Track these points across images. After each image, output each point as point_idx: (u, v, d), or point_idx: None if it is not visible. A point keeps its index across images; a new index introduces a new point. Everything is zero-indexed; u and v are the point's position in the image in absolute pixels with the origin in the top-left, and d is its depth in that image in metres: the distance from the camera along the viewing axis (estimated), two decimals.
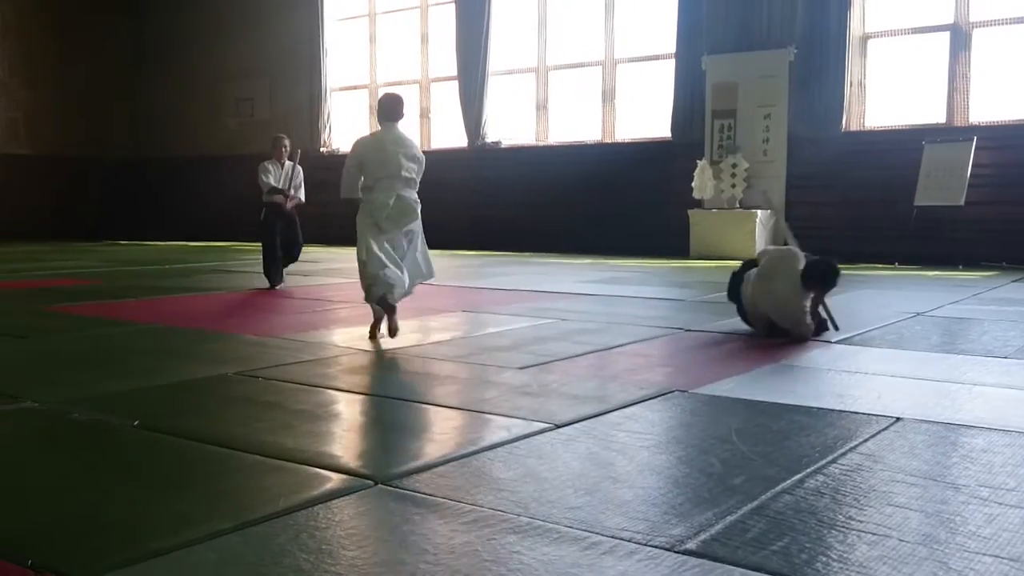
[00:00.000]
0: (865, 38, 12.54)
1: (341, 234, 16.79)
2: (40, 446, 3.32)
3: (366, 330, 5.64)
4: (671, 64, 13.66)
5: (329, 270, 10.99)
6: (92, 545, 2.27)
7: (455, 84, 15.62)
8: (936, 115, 12.10)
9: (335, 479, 2.78)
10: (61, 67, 18.66)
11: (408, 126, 16.71)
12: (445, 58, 15.99)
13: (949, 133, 11.67)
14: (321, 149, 17.35)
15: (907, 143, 11.77)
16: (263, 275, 8.81)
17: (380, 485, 2.72)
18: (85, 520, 2.46)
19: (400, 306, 6.72)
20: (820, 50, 12.34)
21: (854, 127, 12.54)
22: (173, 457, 3.09)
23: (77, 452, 3.19)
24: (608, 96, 14.57)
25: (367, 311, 6.96)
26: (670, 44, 13.67)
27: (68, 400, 3.83)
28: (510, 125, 15.67)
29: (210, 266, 11.76)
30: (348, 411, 3.83)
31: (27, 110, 18.28)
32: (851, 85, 12.41)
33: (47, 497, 2.67)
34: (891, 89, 12.60)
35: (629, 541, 2.27)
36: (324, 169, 17.74)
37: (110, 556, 2.18)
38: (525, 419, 3.51)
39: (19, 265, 11.75)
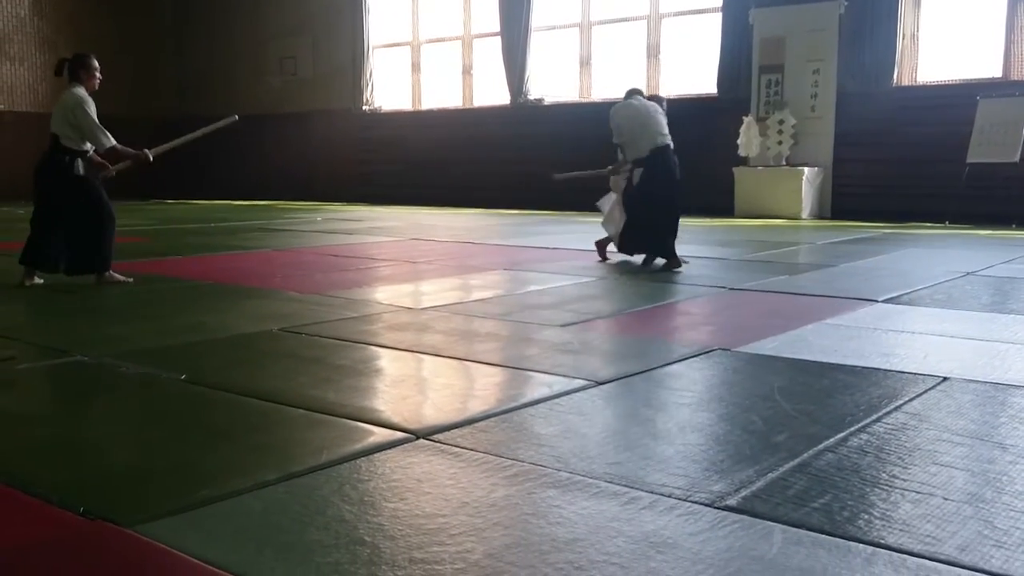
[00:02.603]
0: None
1: (385, 193, 16.92)
2: (91, 398, 3.40)
3: (409, 287, 5.75)
4: (718, 18, 13.41)
5: (372, 228, 11.04)
6: (141, 493, 2.33)
7: (497, 40, 15.49)
8: (992, 69, 11.76)
9: (377, 433, 2.81)
10: (107, 26, 18.80)
11: (449, 82, 16.67)
12: (487, 14, 15.84)
13: (1005, 88, 11.34)
14: (364, 107, 17.35)
15: (961, 98, 11.47)
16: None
17: (421, 439, 2.74)
18: (134, 469, 2.52)
19: (442, 265, 6.70)
20: (872, 2, 12.02)
21: (906, 82, 12.24)
22: (219, 410, 3.14)
23: (126, 404, 3.26)
24: (653, 51, 14.36)
25: (410, 268, 7.00)
26: None
27: (117, 354, 3.91)
28: (553, 82, 15.53)
29: (254, 224, 11.88)
30: (390, 367, 3.87)
31: None
32: (903, 38, 12.09)
33: (98, 447, 2.74)
34: (945, 42, 12.26)
35: (669, 496, 2.27)
36: (366, 128, 17.86)
37: (159, 504, 2.23)
38: (566, 376, 3.51)
39: None
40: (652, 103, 7.40)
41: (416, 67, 17.21)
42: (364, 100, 17.36)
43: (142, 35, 19.43)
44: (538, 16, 15.17)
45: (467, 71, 16.52)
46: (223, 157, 19.34)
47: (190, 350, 4.07)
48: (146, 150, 6.31)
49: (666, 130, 7.08)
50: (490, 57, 15.96)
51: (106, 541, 2.06)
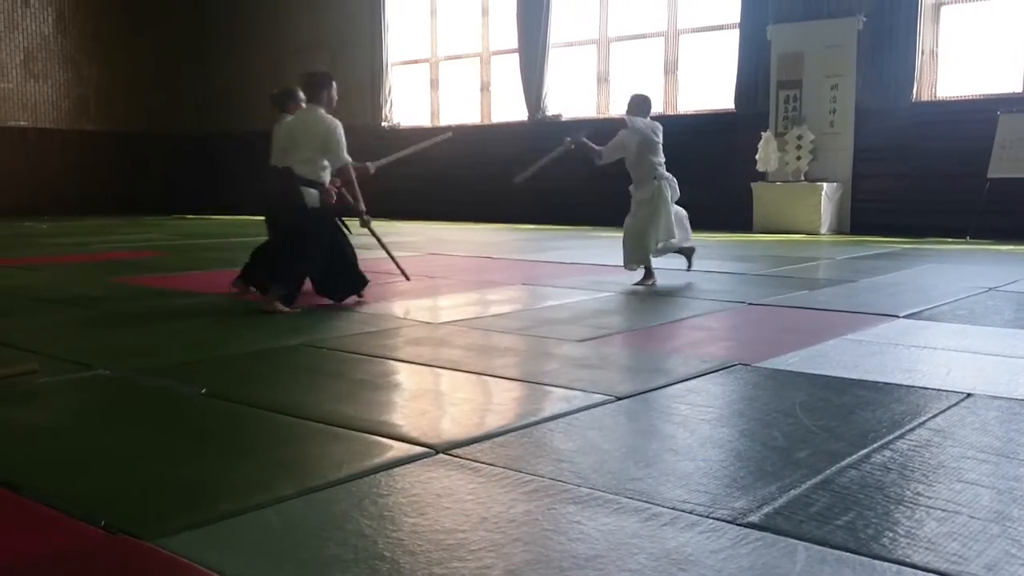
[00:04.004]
0: (938, 4, 12.14)
1: (404, 208, 16.96)
2: (113, 412, 3.41)
3: (426, 302, 5.78)
4: (735, 34, 13.40)
5: (390, 243, 11.05)
6: (162, 507, 2.33)
7: (515, 57, 15.53)
8: (1012, 84, 11.68)
9: (396, 447, 2.81)
10: (129, 44, 19.01)
11: (467, 98, 16.73)
12: (505, 31, 15.90)
13: None
14: (382, 124, 17.43)
15: (981, 113, 11.39)
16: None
17: (440, 454, 2.74)
18: (156, 483, 2.53)
19: (460, 280, 6.69)
20: (890, 18, 11.98)
21: (925, 97, 12.17)
22: (239, 424, 3.15)
23: (148, 418, 3.27)
24: (670, 67, 14.37)
25: (428, 284, 7.01)
26: (734, 13, 13.40)
27: (138, 368, 3.93)
28: (570, 98, 15.55)
29: None
30: (409, 381, 3.86)
31: (97, 87, 18.68)
32: (922, 54, 12.04)
33: (120, 461, 2.75)
34: (965, 57, 12.20)
35: (690, 513, 2.26)
36: (385, 144, 17.93)
37: (179, 518, 2.23)
38: (585, 391, 3.50)
39: (89, 238, 12.06)
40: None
41: (434, 84, 17.28)
42: (383, 117, 17.43)
43: (164, 52, 19.63)
44: (556, 33, 15.20)
45: (485, 88, 16.57)
46: (243, 173, 19.49)
47: (210, 364, 4.09)
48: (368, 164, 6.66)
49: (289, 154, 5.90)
50: (508, 74, 16.01)
51: (127, 554, 2.06)
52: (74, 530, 2.19)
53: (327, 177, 5.87)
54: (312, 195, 5.74)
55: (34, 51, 17.78)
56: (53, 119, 18.11)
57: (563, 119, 15.40)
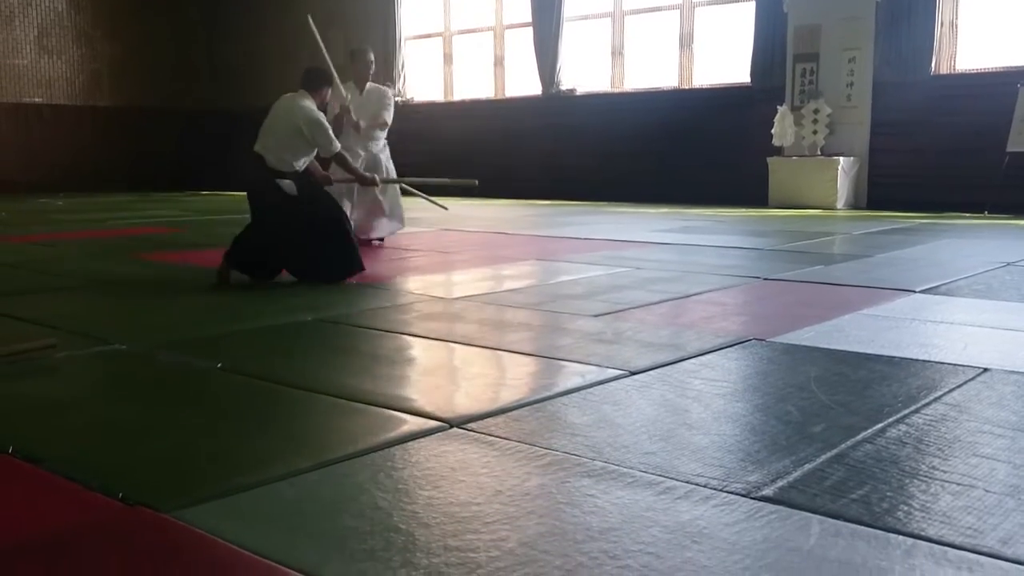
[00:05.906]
0: None
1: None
2: (130, 386, 3.44)
3: (441, 277, 5.74)
4: (751, 6, 13.27)
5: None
6: (178, 480, 2.35)
7: (529, 31, 15.43)
8: None
9: (411, 422, 2.82)
10: (143, 19, 18.99)
11: (481, 73, 16.63)
12: (520, 4, 15.79)
13: None
14: (396, 99, 17.38)
15: (1001, 86, 11.26)
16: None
17: (455, 428, 2.75)
18: (172, 456, 2.55)
19: (474, 255, 6.69)
20: None
21: (944, 70, 12.03)
22: (255, 398, 3.17)
23: (164, 392, 3.30)
24: (686, 41, 14.24)
25: (442, 259, 7.00)
26: None
27: (154, 343, 3.96)
28: (585, 72, 15.45)
29: None
30: (423, 356, 3.87)
31: (110, 62, 18.68)
32: (942, 26, 11.88)
33: (136, 434, 2.77)
34: (985, 29, 12.03)
35: (704, 487, 2.26)
36: (398, 119, 17.89)
37: (196, 490, 2.25)
38: (599, 365, 3.50)
39: (105, 214, 12.11)
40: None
41: (448, 58, 17.20)
42: (396, 91, 17.38)
43: (177, 26, 19.59)
44: (570, 6, 15.10)
45: (499, 62, 16.48)
46: None
47: (226, 339, 4.11)
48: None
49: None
50: (522, 48, 15.91)
51: (144, 526, 2.08)
52: (92, 502, 2.21)
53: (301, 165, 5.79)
54: (287, 184, 5.74)
55: (48, 27, 17.79)
56: (68, 95, 18.14)
57: (577, 93, 15.32)
